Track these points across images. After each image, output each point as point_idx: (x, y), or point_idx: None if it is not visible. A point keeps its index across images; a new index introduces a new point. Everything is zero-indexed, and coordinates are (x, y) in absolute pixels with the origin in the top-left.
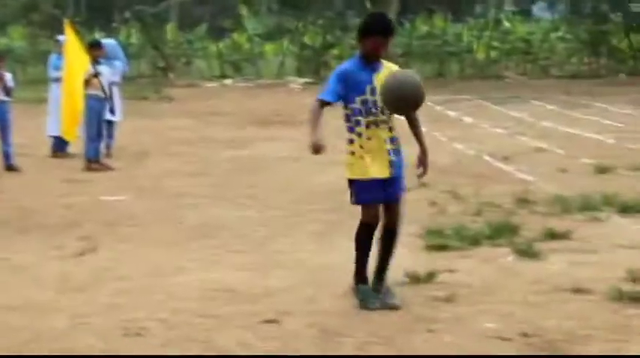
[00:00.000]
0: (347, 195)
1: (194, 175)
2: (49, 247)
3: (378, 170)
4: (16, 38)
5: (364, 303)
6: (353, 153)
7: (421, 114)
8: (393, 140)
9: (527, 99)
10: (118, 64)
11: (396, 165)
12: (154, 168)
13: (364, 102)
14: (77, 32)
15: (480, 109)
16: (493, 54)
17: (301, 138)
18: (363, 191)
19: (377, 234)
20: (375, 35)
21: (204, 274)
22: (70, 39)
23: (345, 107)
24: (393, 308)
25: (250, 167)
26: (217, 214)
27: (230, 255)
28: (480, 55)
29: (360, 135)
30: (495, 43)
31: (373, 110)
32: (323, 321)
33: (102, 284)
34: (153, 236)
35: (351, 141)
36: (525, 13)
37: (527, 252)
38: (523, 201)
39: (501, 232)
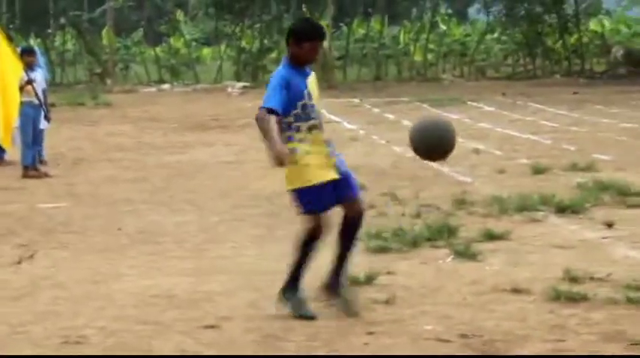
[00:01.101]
0: (286, 201)
1: (133, 181)
2: None
3: (326, 173)
4: None
5: (300, 313)
6: (295, 162)
7: (360, 116)
8: (328, 142)
9: (464, 101)
10: (39, 70)
11: (341, 165)
12: (92, 174)
13: (304, 107)
14: (10, 38)
15: (418, 111)
16: (430, 56)
17: (240, 143)
18: (313, 199)
19: (334, 232)
20: (313, 40)
21: (144, 280)
22: (1, 46)
23: (286, 115)
24: (353, 314)
25: (189, 172)
26: (157, 220)
27: (170, 261)
28: (417, 58)
29: (301, 141)
30: (432, 46)
31: (312, 114)
32: (263, 326)
33: (40, 292)
34: (91, 243)
35: (293, 150)
36: (461, 16)
37: (465, 253)
38: (461, 203)
39: (440, 233)
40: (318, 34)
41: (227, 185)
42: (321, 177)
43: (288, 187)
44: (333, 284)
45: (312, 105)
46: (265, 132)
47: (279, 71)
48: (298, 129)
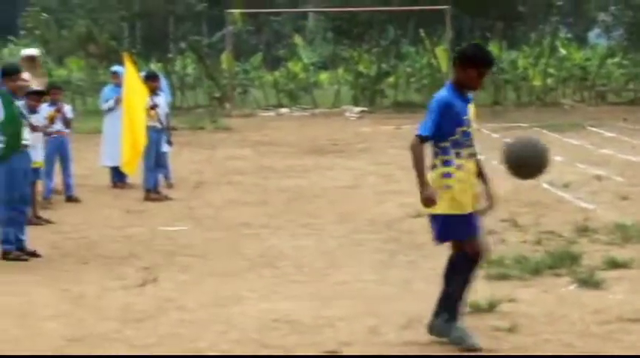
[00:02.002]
0: (405, 226)
1: (252, 205)
2: (109, 278)
3: (472, 203)
4: (74, 70)
5: (466, 342)
6: (450, 187)
7: (478, 141)
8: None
9: (584, 126)
10: (163, 94)
11: (479, 198)
12: (213, 197)
13: (464, 134)
14: (135, 64)
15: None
16: (549, 81)
17: (359, 167)
18: (466, 224)
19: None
20: (482, 67)
21: (265, 304)
22: (128, 71)
23: (443, 139)
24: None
25: (308, 196)
26: (276, 244)
27: (290, 285)
28: (536, 83)
29: (459, 167)
30: (551, 70)
31: (470, 142)
32: (384, 351)
33: (163, 315)
34: (212, 266)
35: (448, 175)
36: (581, 40)
37: (588, 282)
38: (583, 230)
39: (562, 261)
40: (485, 61)
41: (346, 209)
42: (470, 208)
43: (442, 210)
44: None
45: (470, 133)
46: (415, 164)
47: (441, 95)
48: (458, 155)
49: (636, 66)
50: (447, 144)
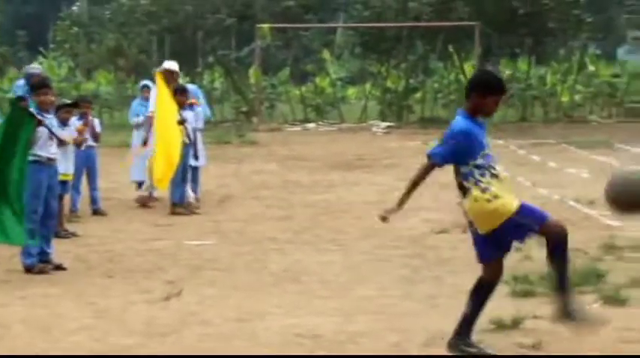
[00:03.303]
0: (431, 242)
1: (278, 220)
2: (134, 291)
3: (514, 199)
4: (102, 83)
5: (484, 353)
6: (489, 201)
7: (504, 158)
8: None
9: (612, 143)
10: (199, 109)
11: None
12: (238, 212)
13: (485, 157)
14: (167, 81)
15: (565, 153)
16: (577, 97)
17: (385, 183)
18: (505, 237)
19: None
20: (498, 94)
21: (289, 319)
22: (160, 88)
23: (466, 165)
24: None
25: (334, 211)
26: (301, 259)
27: (314, 300)
28: (564, 99)
29: (488, 184)
30: (580, 87)
31: (493, 163)
32: None
33: (187, 329)
34: (237, 280)
35: (485, 190)
36: (610, 56)
37: (614, 299)
38: (609, 247)
39: (588, 278)
40: (502, 88)
41: (372, 225)
42: (514, 205)
43: (485, 229)
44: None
45: (491, 155)
46: (413, 179)
47: (459, 122)
48: (483, 175)
49: None
50: (470, 168)
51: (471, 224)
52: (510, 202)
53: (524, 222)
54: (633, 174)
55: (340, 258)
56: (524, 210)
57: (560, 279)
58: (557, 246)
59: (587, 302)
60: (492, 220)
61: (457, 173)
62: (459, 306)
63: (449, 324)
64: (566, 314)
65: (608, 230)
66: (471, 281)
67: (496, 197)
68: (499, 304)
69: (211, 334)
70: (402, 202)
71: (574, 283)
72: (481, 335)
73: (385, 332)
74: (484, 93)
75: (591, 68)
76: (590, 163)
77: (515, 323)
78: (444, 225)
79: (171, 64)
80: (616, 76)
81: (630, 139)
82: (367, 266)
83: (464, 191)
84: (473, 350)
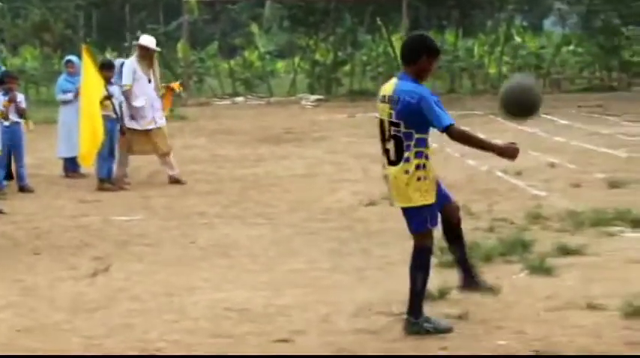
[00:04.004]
0: (359, 215)
1: (207, 194)
2: (62, 268)
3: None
4: (28, 59)
5: (441, 329)
6: (425, 178)
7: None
8: None
9: (539, 114)
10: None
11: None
12: (167, 187)
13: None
14: (93, 56)
15: (493, 125)
16: (505, 69)
17: (314, 156)
18: (434, 214)
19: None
20: (437, 57)
21: (217, 294)
22: (86, 63)
23: (424, 132)
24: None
25: (263, 185)
26: (230, 233)
27: (243, 274)
28: (492, 70)
29: (427, 157)
30: (507, 58)
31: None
32: (337, 340)
33: (115, 305)
34: (165, 255)
35: (423, 166)
36: (536, 28)
37: (540, 268)
38: (535, 217)
39: (514, 248)
40: (439, 51)
41: (300, 198)
42: (433, 197)
43: (422, 202)
44: (470, 281)
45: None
46: (474, 142)
47: (423, 88)
48: (427, 146)
49: (590, 54)
50: (426, 136)
51: (390, 190)
52: (432, 192)
53: (426, 216)
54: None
55: (269, 232)
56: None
57: (462, 254)
58: (453, 227)
59: (514, 271)
60: (427, 197)
61: (395, 138)
62: (387, 278)
63: (377, 296)
64: (476, 283)
65: (535, 200)
66: (399, 252)
67: (426, 178)
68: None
69: (139, 309)
70: (495, 144)
71: (500, 253)
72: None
73: (314, 305)
74: (432, 57)
75: (518, 40)
76: (518, 134)
77: (442, 294)
78: (372, 198)
79: (147, 40)
80: (542, 47)
81: (555, 110)
82: (296, 239)
83: (393, 158)
84: (429, 326)
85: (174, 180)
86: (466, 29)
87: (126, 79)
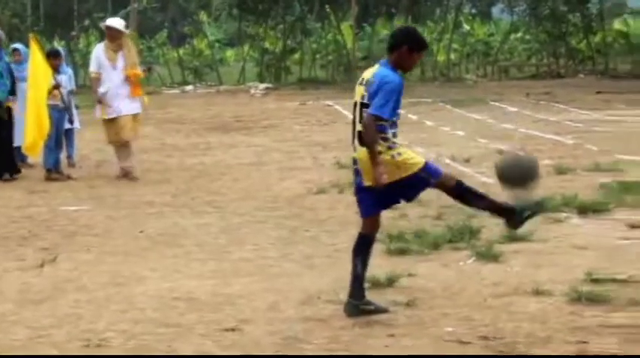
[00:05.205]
0: (308, 202)
1: (155, 183)
2: (8, 259)
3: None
4: None
5: (381, 309)
6: (399, 155)
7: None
8: None
9: (487, 101)
10: (70, 71)
11: None
12: (115, 177)
13: (398, 115)
14: (41, 45)
15: (441, 112)
16: (453, 56)
17: (263, 144)
18: (432, 168)
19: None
20: (422, 52)
21: (165, 283)
22: (34, 53)
23: (388, 120)
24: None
25: (212, 174)
26: (179, 222)
27: (191, 263)
28: (441, 58)
29: (395, 144)
30: (455, 46)
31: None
32: (284, 328)
33: (62, 296)
34: (114, 246)
35: (391, 147)
36: (485, 15)
37: (487, 255)
38: None
39: (461, 235)
40: (426, 47)
41: (249, 187)
42: (420, 161)
43: (413, 170)
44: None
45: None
46: (370, 144)
47: (395, 76)
48: (395, 135)
49: (538, 41)
50: (394, 118)
51: (357, 173)
52: (416, 157)
53: (424, 176)
54: (520, 156)
55: (218, 221)
56: (427, 166)
57: (481, 198)
58: (456, 190)
59: (461, 258)
60: (396, 172)
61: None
62: (335, 265)
63: (325, 283)
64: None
65: (483, 187)
66: (347, 240)
67: (400, 154)
68: (374, 262)
69: (87, 300)
70: (380, 161)
71: (449, 240)
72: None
73: (262, 293)
74: (413, 48)
75: (466, 27)
76: (466, 121)
77: (390, 282)
78: (321, 186)
79: (112, 21)
80: (490, 35)
81: (504, 97)
82: (245, 228)
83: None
84: (370, 308)
85: (125, 174)
86: (415, 17)
87: (91, 66)
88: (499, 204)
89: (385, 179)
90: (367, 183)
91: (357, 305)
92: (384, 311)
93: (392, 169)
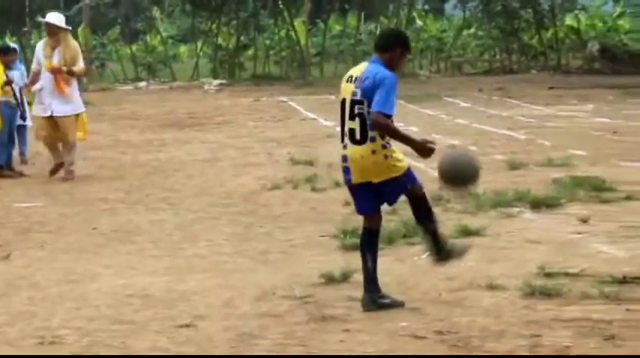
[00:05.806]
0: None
1: (109, 180)
2: None
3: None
4: None
5: (398, 302)
6: (391, 155)
7: (336, 113)
8: None
9: (440, 96)
10: (23, 67)
11: None
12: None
13: None
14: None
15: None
16: None
17: (217, 140)
18: (411, 176)
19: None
20: (408, 53)
21: (119, 280)
22: None
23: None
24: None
25: (166, 170)
26: (132, 219)
27: (145, 260)
28: None
29: (389, 143)
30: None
31: None
32: (239, 324)
33: (15, 293)
34: (67, 242)
35: (389, 145)
36: (437, 11)
37: None
38: (437, 199)
39: (416, 230)
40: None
41: (203, 183)
42: (406, 165)
43: (398, 173)
44: (440, 251)
45: None
46: (396, 135)
47: (392, 75)
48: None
49: (491, 37)
50: (390, 120)
51: (346, 171)
52: (403, 160)
53: (405, 180)
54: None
55: (172, 217)
56: (409, 171)
57: (434, 233)
58: (422, 206)
59: (415, 253)
60: (385, 172)
61: (360, 117)
62: (289, 261)
63: (280, 279)
64: (447, 253)
65: (436, 182)
66: (301, 236)
67: (392, 155)
68: (329, 258)
69: (40, 297)
70: (415, 139)
71: (403, 235)
72: (311, 289)
73: (217, 290)
74: (405, 51)
75: (419, 23)
76: (420, 117)
77: (345, 277)
78: (275, 182)
79: (51, 16)
80: (443, 31)
81: (457, 93)
82: (199, 224)
83: (359, 137)
84: (387, 302)
85: (55, 169)
86: (368, 13)
87: (33, 62)
88: (440, 238)
89: (431, 145)
90: (355, 180)
91: (375, 299)
92: (400, 304)
93: (383, 169)
